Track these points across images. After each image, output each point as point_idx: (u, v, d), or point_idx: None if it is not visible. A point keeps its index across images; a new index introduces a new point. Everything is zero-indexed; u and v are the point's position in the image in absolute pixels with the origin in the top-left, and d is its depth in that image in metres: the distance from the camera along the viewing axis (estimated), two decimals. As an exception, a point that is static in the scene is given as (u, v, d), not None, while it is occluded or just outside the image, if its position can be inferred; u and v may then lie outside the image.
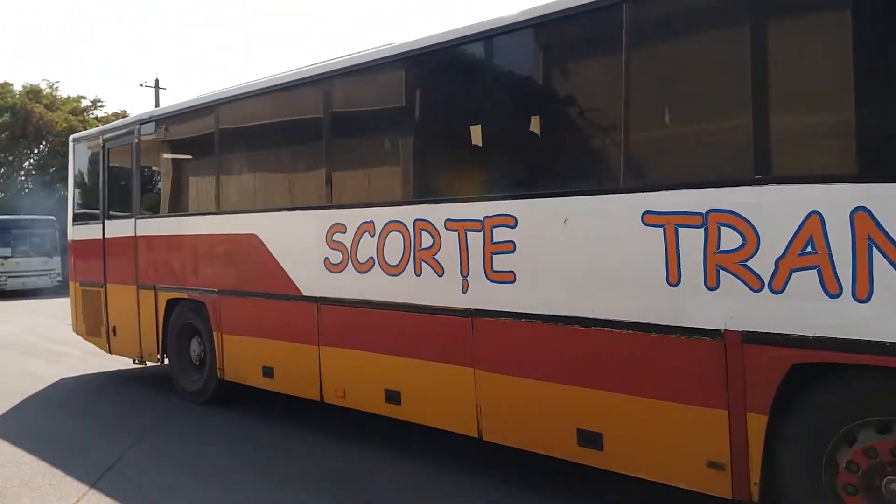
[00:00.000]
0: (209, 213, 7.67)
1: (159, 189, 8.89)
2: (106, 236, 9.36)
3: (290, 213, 6.79)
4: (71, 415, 7.75)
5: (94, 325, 9.73)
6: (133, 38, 78.41)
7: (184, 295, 8.04)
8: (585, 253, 4.62)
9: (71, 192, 10.25)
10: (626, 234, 4.41)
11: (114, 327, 9.29)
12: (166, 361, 8.55)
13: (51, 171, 31.45)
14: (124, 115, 32.93)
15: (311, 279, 6.49)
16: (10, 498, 5.35)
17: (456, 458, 5.87)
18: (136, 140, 8.73)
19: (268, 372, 6.97)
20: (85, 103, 34.25)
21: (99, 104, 34.66)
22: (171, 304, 8.28)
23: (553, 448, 4.88)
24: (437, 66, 5.76)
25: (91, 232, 9.70)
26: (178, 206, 8.45)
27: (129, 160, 9.05)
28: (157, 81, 34.18)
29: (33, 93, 32.59)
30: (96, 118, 33.05)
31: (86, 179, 10.15)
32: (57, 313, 17.27)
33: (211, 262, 7.68)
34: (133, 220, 8.79)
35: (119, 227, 9.11)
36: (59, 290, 23.87)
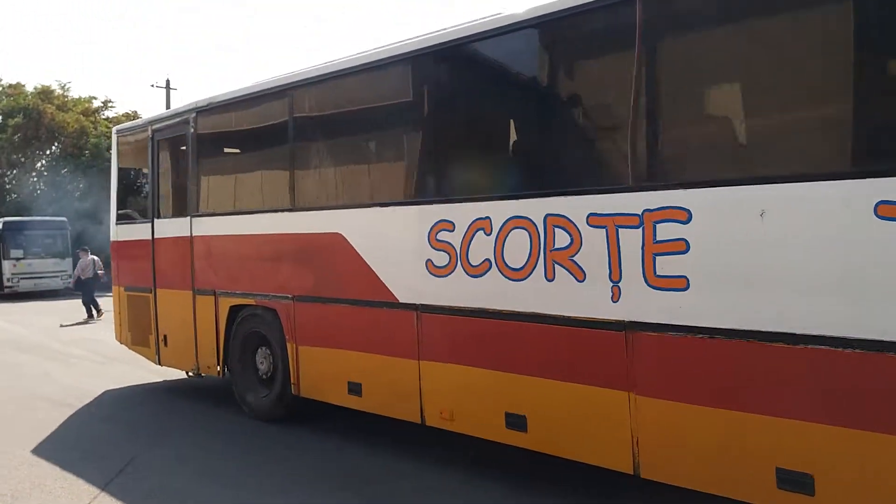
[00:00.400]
0: (282, 211, 6.85)
1: (220, 184, 8.08)
2: (156, 236, 8.56)
3: (382, 210, 5.95)
4: (108, 421, 6.98)
5: (141, 334, 8.94)
6: (144, 38, 78.09)
7: (250, 301, 7.23)
8: (794, 252, 3.76)
9: (114, 189, 9.46)
10: (854, 229, 3.55)
11: (164, 336, 8.50)
12: (224, 374, 7.75)
13: (63, 172, 31.25)
14: (135, 115, 32.92)
15: (410, 284, 5.66)
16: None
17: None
18: (192, 129, 7.93)
19: (354, 389, 6.14)
20: (96, 104, 34.20)
21: (110, 104, 34.73)
22: (235, 311, 7.47)
23: (746, 491, 4.01)
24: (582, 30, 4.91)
25: (138, 232, 8.91)
26: (244, 203, 7.64)
27: (182, 152, 8.24)
28: (167, 82, 33.88)
29: (45, 94, 32.51)
30: (107, 119, 33.09)
31: (131, 175, 9.38)
32: (71, 316, 17.41)
33: (284, 264, 6.86)
34: (188, 218, 7.99)
35: (171, 227, 8.31)
36: (70, 292, 24.09)
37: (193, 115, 7.92)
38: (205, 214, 7.84)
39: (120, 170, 9.41)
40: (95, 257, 17.92)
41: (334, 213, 6.33)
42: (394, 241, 5.82)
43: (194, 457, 6.17)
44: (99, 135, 31.06)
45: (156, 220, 8.58)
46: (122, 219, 9.32)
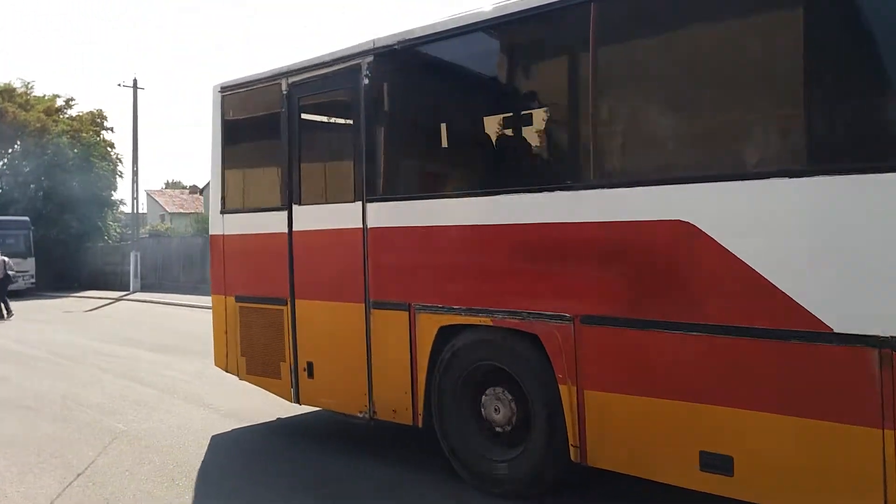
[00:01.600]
0: (548, 189, 4.67)
1: (419, 156, 5.84)
2: (296, 229, 6.28)
3: (787, 182, 3.79)
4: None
5: (265, 361, 6.64)
6: (110, 37, 74.72)
7: (479, 320, 5.02)
8: None
9: (218, 168, 7.09)
10: None
11: (308, 364, 6.22)
12: (423, 421, 5.50)
13: (25, 171, 31.11)
14: (100, 114, 32.23)
15: (867, 305, 3.52)
16: None
17: None
18: (366, 80, 5.67)
19: (717, 464, 3.97)
20: (59, 102, 34.10)
21: (72, 103, 34.76)
22: (447, 333, 5.25)
23: None
24: None
25: (263, 223, 6.61)
26: (470, 181, 5.46)
27: (344, 114, 6.02)
28: (135, 81, 32.03)
29: (7, 92, 32.32)
30: (70, 118, 33.38)
31: (249, 149, 7.07)
32: (47, 319, 18.10)
33: (553, 269, 4.66)
34: (358, 204, 5.74)
35: (325, 216, 6.05)
36: (32, 293, 26.60)
37: (369, 59, 5.65)
38: (392, 198, 5.60)
39: (226, 142, 7.05)
40: (6, 258, 19.47)
41: (674, 190, 4.13)
42: (817, 232, 3.68)
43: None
44: (60, 133, 31.40)
45: (295, 206, 6.29)
46: (231, 207, 6.99)
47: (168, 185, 73.08)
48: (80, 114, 34.04)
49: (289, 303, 6.36)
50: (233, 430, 6.94)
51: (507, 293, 4.86)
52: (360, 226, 5.75)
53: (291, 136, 6.30)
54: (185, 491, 5.31)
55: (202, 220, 38.18)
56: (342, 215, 5.91)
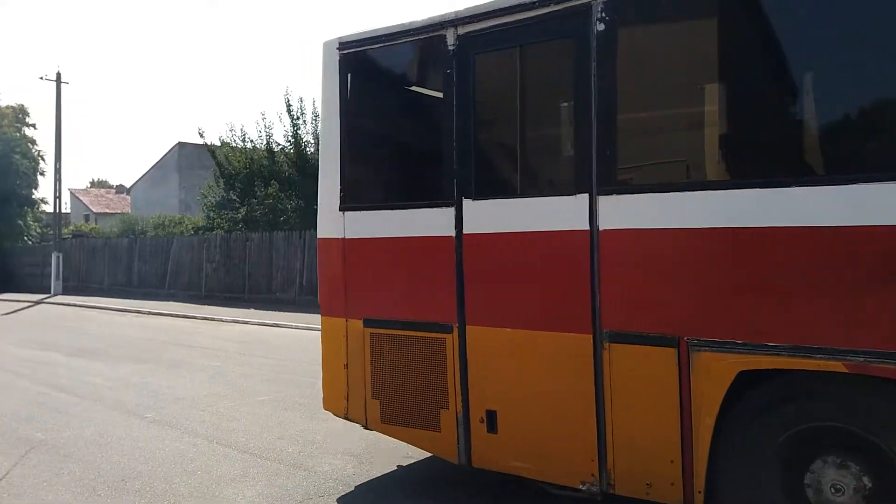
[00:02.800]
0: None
1: (696, 126, 4.24)
2: (469, 231, 4.64)
3: None
4: None
5: (412, 406, 4.96)
6: (32, 30, 70.67)
7: (828, 365, 3.49)
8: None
9: (334, 151, 5.29)
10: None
11: (489, 414, 4.59)
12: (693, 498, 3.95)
13: None
14: (22, 109, 31.53)
15: None
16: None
17: None
18: (599, 28, 4.07)
19: None
20: None
21: None
22: (749, 380, 3.72)
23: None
24: None
25: (409, 224, 4.94)
26: (805, 161, 3.88)
27: (555, 74, 4.41)
28: (58, 75, 30.17)
29: None
30: None
31: (386, 125, 5.35)
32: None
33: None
34: (583, 197, 4.14)
35: (520, 214, 4.44)
36: None
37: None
38: (648, 188, 4.02)
39: (349, 115, 5.29)
40: None
41: None
42: None
43: None
44: None
45: (467, 201, 4.64)
46: (357, 202, 5.27)
47: (93, 185, 70.98)
48: (0, 108, 32.56)
49: (455, 330, 4.72)
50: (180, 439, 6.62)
51: (881, 325, 3.37)
52: (586, 227, 4.16)
53: (463, 106, 4.63)
54: (106, 502, 5.09)
55: (129, 221, 36.42)
56: (551, 213, 4.30)
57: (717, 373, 3.76)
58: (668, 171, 4.08)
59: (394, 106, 5.19)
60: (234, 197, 26.53)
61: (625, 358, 4.06)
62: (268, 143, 26.04)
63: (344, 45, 5.24)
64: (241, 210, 25.92)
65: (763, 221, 3.64)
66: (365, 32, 5.18)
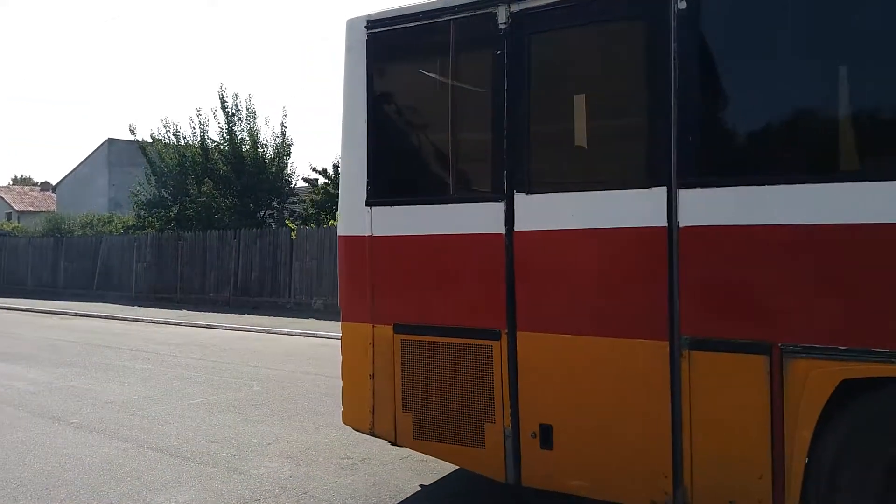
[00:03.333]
0: None
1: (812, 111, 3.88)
2: (521, 228, 4.24)
3: None
4: None
5: (452, 421, 4.51)
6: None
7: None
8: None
9: (359, 137, 4.78)
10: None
11: (543, 429, 4.19)
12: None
13: None
14: None
15: None
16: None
17: None
18: (681, 5, 3.74)
19: None
20: None
21: None
22: (850, 390, 3.44)
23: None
24: None
25: (449, 220, 4.50)
26: None
27: (626, 52, 4.05)
28: None
29: None
30: None
31: (421, 111, 4.88)
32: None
33: None
34: (660, 191, 3.80)
35: (582, 209, 4.07)
36: None
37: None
38: (745, 181, 3.69)
39: (378, 100, 4.79)
40: None
41: None
42: None
43: None
44: None
45: (519, 195, 4.23)
46: (386, 195, 4.78)
47: (16, 181, 67.80)
48: None
49: (504, 336, 4.31)
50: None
51: None
52: (663, 223, 3.82)
53: (516, 91, 4.23)
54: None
55: (55, 220, 34.70)
56: (620, 209, 3.95)
57: (815, 382, 3.47)
58: (765, 162, 3.77)
59: (431, 90, 4.72)
60: (167, 195, 25.53)
61: (707, 366, 3.74)
62: (202, 139, 25.03)
63: (373, 23, 4.76)
64: (174, 209, 25.03)
65: (874, 217, 3.37)
66: (396, 10, 4.72)
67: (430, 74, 4.70)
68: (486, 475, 4.50)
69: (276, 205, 25.41)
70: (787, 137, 3.76)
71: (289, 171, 25.41)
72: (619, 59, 4.20)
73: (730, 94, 3.92)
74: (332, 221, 21.84)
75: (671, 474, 3.86)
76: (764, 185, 3.62)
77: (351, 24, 4.84)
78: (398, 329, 4.70)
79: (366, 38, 4.76)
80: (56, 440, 6.56)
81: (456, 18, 4.47)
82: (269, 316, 18.29)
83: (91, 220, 32.17)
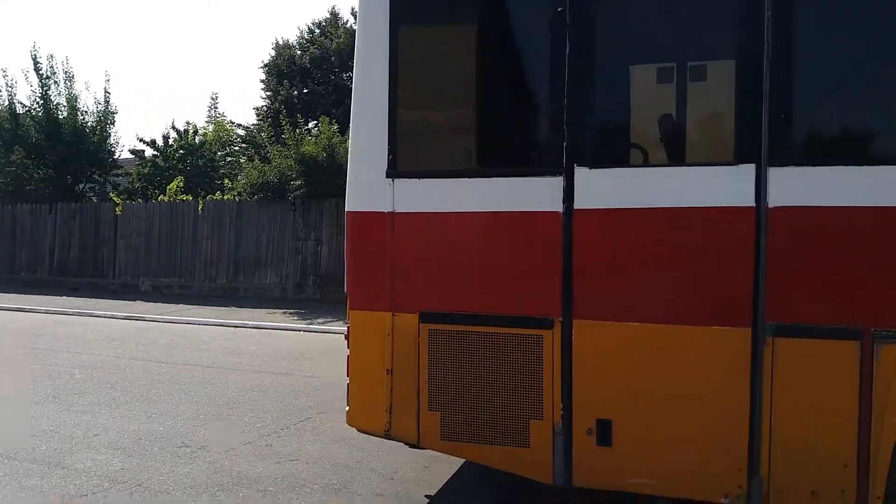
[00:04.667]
0: None
1: None
2: (581, 206, 3.85)
3: None
4: None
5: (489, 418, 4.06)
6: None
7: None
8: None
9: (378, 101, 4.10)
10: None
11: (601, 424, 3.85)
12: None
13: None
14: None
15: None
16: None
17: None
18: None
19: None
20: None
21: None
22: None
23: None
24: None
25: (491, 196, 4.00)
26: None
27: (705, 15, 3.77)
28: None
29: None
30: None
31: (456, 73, 4.28)
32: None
33: None
34: (747, 168, 3.58)
35: (653, 186, 3.76)
36: None
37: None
38: (842, 160, 3.53)
39: (402, 61, 4.09)
40: None
41: None
42: None
43: None
44: None
45: (580, 169, 3.84)
46: (413, 166, 4.18)
47: None
48: None
49: (558, 325, 3.92)
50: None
51: None
52: (751, 203, 3.61)
53: (580, 54, 3.81)
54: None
55: None
56: (701, 186, 3.69)
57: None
58: (865, 140, 3.66)
59: (470, 49, 4.17)
60: (-29, 164, 22.50)
61: (792, 354, 3.58)
62: (10, 103, 22.14)
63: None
64: (-23, 179, 22.18)
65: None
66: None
67: (470, 31, 4.16)
68: (530, 477, 4.09)
69: (97, 177, 23.22)
70: (886, 119, 3.67)
71: (112, 142, 23.08)
72: (701, 22, 3.87)
73: (827, 67, 3.77)
74: (161, 196, 20.46)
75: (747, 466, 3.68)
76: (858, 164, 3.51)
77: None
78: (425, 318, 4.15)
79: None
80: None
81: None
82: (91, 298, 16.85)
83: None
